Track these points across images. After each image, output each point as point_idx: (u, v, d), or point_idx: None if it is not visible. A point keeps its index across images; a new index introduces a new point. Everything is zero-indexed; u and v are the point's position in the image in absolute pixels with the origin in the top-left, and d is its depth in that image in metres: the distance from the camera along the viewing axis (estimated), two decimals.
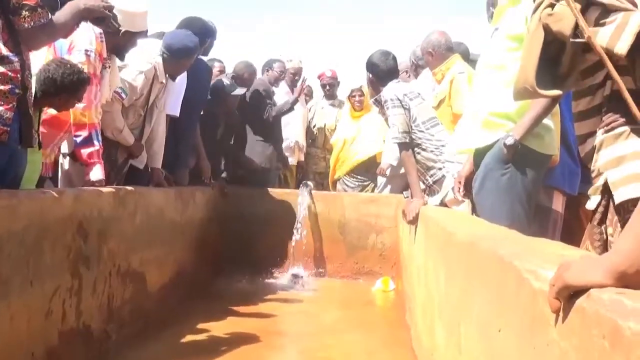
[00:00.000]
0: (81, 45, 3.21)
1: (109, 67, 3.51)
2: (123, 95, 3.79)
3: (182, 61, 4.14)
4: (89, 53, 3.21)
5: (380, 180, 5.95)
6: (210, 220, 5.20)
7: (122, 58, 3.71)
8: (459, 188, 3.04)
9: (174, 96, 4.42)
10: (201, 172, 5.13)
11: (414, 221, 3.63)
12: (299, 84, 6.26)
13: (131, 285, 3.36)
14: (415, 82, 5.07)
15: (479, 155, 2.79)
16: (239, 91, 5.34)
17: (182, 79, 4.41)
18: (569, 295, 0.89)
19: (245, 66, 5.70)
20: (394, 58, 4.09)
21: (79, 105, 3.12)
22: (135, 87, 3.89)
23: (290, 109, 5.87)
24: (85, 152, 3.24)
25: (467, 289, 1.78)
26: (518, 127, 2.57)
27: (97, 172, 3.26)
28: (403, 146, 3.78)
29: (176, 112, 4.49)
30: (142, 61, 3.96)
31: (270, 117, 5.73)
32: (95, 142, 3.28)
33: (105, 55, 3.39)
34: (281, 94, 6.29)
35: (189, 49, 4.14)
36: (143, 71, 3.92)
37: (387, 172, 5.73)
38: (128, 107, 3.92)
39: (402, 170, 5.75)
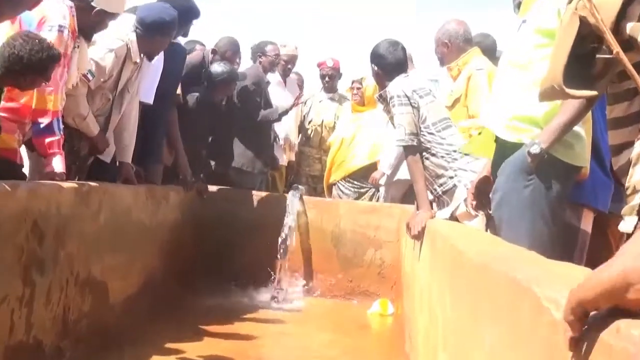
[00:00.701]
0: (54, 20, 3.21)
1: (78, 46, 3.51)
2: (90, 76, 3.78)
3: (157, 38, 4.13)
4: (62, 29, 3.22)
5: (381, 189, 5.97)
6: (184, 224, 5.20)
7: (89, 38, 3.71)
8: (472, 199, 3.04)
9: (148, 81, 4.41)
10: (178, 170, 5.12)
11: (418, 236, 3.63)
12: (294, 100, 6.17)
13: (91, 296, 3.35)
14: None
15: (497, 164, 2.79)
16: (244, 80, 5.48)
17: (158, 61, 4.40)
18: (585, 315, 0.89)
19: (229, 43, 5.69)
20: (404, 49, 4.07)
21: (47, 89, 3.12)
22: (104, 67, 3.88)
23: (278, 119, 5.90)
24: (45, 141, 3.24)
25: (477, 316, 1.78)
26: (545, 134, 2.55)
27: (57, 164, 3.25)
28: (409, 150, 3.77)
29: (149, 99, 4.48)
30: (112, 38, 3.95)
31: (255, 118, 5.75)
32: (57, 131, 3.28)
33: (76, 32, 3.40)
34: (272, 86, 6.30)
35: (164, 23, 4.12)
36: (113, 49, 3.91)
37: (382, 182, 5.76)
38: (94, 90, 3.92)
39: (401, 177, 5.82)
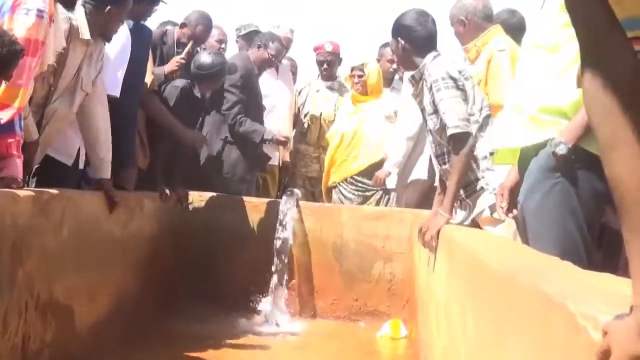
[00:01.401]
0: (32, 3, 3.20)
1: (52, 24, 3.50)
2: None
3: (114, 10, 3.97)
4: (41, 14, 3.22)
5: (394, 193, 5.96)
6: (162, 237, 5.19)
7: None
8: (502, 202, 3.02)
9: (112, 69, 4.35)
10: (154, 174, 5.12)
11: (431, 243, 3.61)
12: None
13: (54, 322, 3.34)
14: None
15: (523, 162, 2.79)
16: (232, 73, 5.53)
17: (124, 46, 4.37)
18: None
19: (200, 17, 5.66)
20: (434, 22, 3.94)
21: (17, 81, 3.12)
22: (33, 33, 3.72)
23: (257, 144, 5.86)
24: (3, 141, 3.24)
25: (502, 336, 1.78)
26: (571, 129, 2.54)
27: (14, 168, 3.25)
28: (465, 137, 3.60)
29: (115, 91, 4.41)
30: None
31: (235, 127, 5.74)
32: (18, 130, 3.29)
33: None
34: (264, 75, 6.30)
35: None
36: (39, 8, 3.77)
37: (389, 183, 5.74)
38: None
39: (417, 177, 5.81)
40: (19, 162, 3.28)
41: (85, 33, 3.87)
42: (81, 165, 4.27)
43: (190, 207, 5.58)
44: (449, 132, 3.64)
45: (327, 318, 5.45)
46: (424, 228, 3.68)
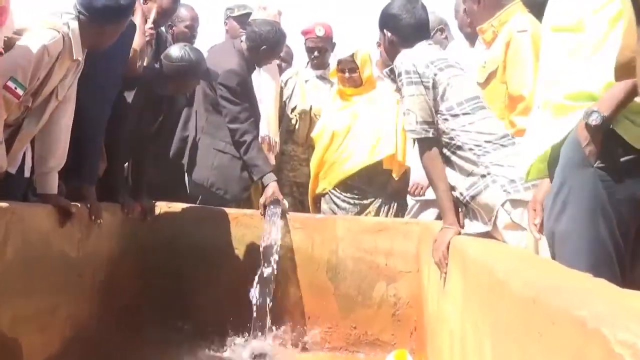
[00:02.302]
0: None
1: None
2: (19, 90, 3.73)
3: (110, 27, 4.08)
4: None
5: (412, 202, 5.94)
6: (123, 256, 5.19)
7: None
8: (534, 219, 3.02)
9: None
10: (114, 182, 5.12)
11: (441, 263, 3.65)
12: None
13: None
14: (455, 49, 5.10)
15: (552, 165, 2.79)
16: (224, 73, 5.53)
17: None
18: None
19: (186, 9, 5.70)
20: (424, 8, 4.08)
21: None
22: (27, 70, 3.82)
23: (258, 174, 5.73)
24: None
25: None
26: (606, 100, 2.53)
27: None
28: (424, 143, 3.78)
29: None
30: (43, 26, 3.91)
31: (240, 148, 5.72)
32: None
33: None
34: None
35: (120, 8, 4.08)
36: (46, 45, 3.86)
37: (424, 192, 5.73)
38: None
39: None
40: None
41: (77, 52, 3.98)
42: (26, 174, 4.27)
43: (157, 220, 5.57)
44: (407, 136, 3.84)
45: (320, 349, 5.45)
46: (434, 245, 3.73)
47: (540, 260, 2.66)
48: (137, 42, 5.19)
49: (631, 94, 2.43)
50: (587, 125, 2.50)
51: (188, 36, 6.37)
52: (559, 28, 2.75)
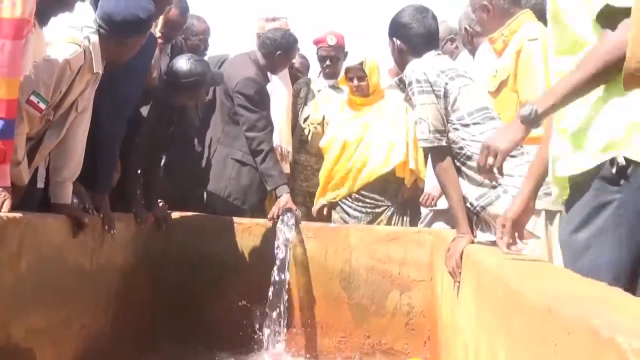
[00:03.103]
0: None
1: (34, 29, 3.56)
2: (42, 104, 3.75)
3: (130, 40, 4.09)
4: None
5: (425, 210, 5.93)
6: (138, 267, 5.19)
7: (45, 22, 3.74)
8: (502, 235, 3.03)
9: None
10: (127, 191, 5.12)
11: (455, 271, 3.64)
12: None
13: None
14: (464, 60, 5.09)
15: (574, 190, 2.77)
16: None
17: None
18: None
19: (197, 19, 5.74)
20: (434, 17, 4.08)
21: None
22: (50, 84, 3.85)
23: (272, 184, 5.74)
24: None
25: None
26: (547, 95, 2.60)
27: (3, 177, 3.34)
28: (437, 152, 3.78)
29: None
30: (64, 40, 3.93)
31: (256, 157, 5.74)
32: (11, 135, 3.36)
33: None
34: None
35: (140, 21, 4.08)
36: (67, 59, 3.88)
37: (439, 203, 5.70)
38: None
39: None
40: (6, 171, 3.39)
41: (97, 65, 3.98)
42: (40, 184, 4.27)
43: (170, 230, 5.57)
44: (419, 144, 3.82)
45: (334, 359, 5.44)
46: (446, 256, 3.72)
47: (555, 269, 2.65)
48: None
49: (575, 92, 2.49)
50: (520, 116, 2.62)
51: (201, 49, 6.40)
52: (559, 51, 2.75)
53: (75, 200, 4.27)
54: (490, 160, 2.79)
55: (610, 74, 2.40)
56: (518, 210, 2.94)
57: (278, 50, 5.90)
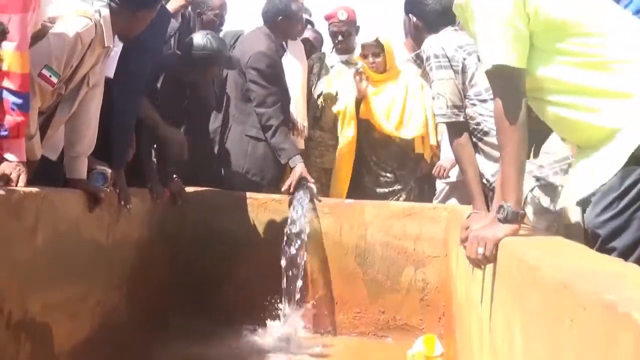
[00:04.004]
0: None
1: None
2: (54, 78, 3.76)
3: (140, 14, 4.09)
4: None
5: (440, 186, 5.92)
6: (153, 243, 5.21)
7: None
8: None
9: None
10: (141, 166, 5.12)
11: (485, 260, 3.60)
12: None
13: (28, 344, 3.35)
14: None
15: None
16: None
17: None
18: None
19: None
20: None
21: (8, 45, 3.20)
22: (61, 58, 3.85)
23: (285, 157, 5.75)
24: (11, 119, 3.32)
25: (556, 355, 1.77)
26: (508, 192, 2.65)
27: (19, 151, 3.36)
28: (454, 128, 3.76)
29: (109, 72, 4.44)
30: (75, 14, 3.92)
31: (267, 132, 5.76)
32: (26, 108, 3.39)
33: None
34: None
35: None
36: (79, 32, 3.87)
37: (451, 174, 5.69)
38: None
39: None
40: (22, 145, 3.42)
41: (108, 38, 3.99)
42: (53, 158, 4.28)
43: (186, 206, 5.58)
44: (437, 120, 3.77)
45: (349, 334, 5.46)
46: (475, 240, 3.34)
47: (571, 245, 2.63)
48: (171, 4, 5.25)
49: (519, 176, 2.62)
50: (500, 220, 2.63)
51: (216, 24, 6.38)
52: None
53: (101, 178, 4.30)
54: (481, 250, 2.70)
55: (524, 132, 2.59)
56: (510, 233, 2.72)
57: (279, 16, 5.90)
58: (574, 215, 3.42)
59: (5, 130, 3.35)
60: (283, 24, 5.93)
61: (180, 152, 5.18)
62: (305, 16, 6.83)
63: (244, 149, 5.87)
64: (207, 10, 6.33)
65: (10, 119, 3.33)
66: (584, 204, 2.76)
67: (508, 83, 2.62)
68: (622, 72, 2.55)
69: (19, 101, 3.36)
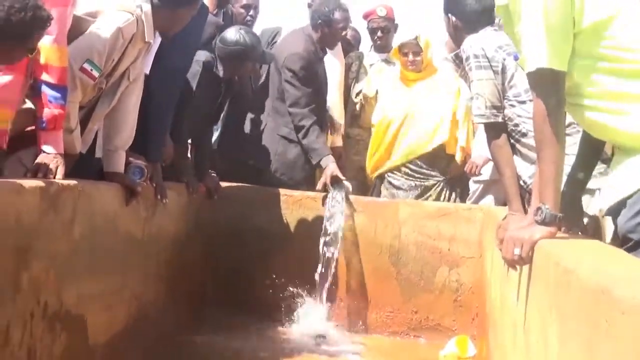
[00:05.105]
0: None
1: None
2: (95, 72, 3.79)
3: (181, 11, 4.12)
4: None
5: (473, 186, 5.88)
6: (189, 237, 5.23)
7: None
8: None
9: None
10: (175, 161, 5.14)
11: (521, 261, 3.55)
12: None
13: (64, 334, 3.37)
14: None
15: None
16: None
17: None
18: None
19: None
20: None
21: (46, 38, 3.23)
22: (103, 53, 3.87)
23: (317, 157, 5.75)
24: (49, 112, 3.35)
25: (592, 358, 1.76)
26: (546, 194, 2.65)
27: (56, 143, 3.38)
28: (492, 129, 3.73)
29: (146, 67, 4.46)
30: (117, 9, 3.94)
31: (299, 132, 5.79)
32: (64, 101, 3.42)
33: None
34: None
35: None
36: (120, 27, 3.89)
37: (483, 172, 5.65)
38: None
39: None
40: (61, 137, 3.46)
41: (149, 34, 4.02)
42: (98, 154, 4.31)
43: (222, 201, 5.60)
44: (475, 120, 3.75)
45: (381, 333, 5.46)
46: (511, 241, 3.27)
47: (608, 249, 2.61)
48: None
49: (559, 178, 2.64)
50: (538, 222, 2.63)
51: (244, 16, 6.36)
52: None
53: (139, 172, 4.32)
54: (517, 251, 2.69)
55: (563, 134, 2.63)
56: (548, 235, 2.69)
57: (318, 20, 5.89)
58: (609, 220, 3.39)
59: (43, 123, 3.38)
60: (321, 27, 5.92)
61: (168, 155, 5.10)
62: (349, 27, 6.72)
63: (274, 147, 5.91)
64: (235, 2, 6.33)
65: (48, 111, 3.36)
66: (614, 211, 2.73)
67: (551, 86, 2.61)
68: None
69: (57, 94, 3.39)
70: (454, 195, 6.10)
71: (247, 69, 5.47)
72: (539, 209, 2.59)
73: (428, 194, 6.02)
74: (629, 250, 2.55)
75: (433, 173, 6.01)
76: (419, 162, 6.03)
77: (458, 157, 6.03)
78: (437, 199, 6.00)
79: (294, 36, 6.08)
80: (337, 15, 5.96)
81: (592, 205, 3.39)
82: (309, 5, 6.45)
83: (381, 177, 6.22)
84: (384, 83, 6.54)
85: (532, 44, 2.65)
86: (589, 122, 2.75)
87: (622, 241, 2.64)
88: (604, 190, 2.89)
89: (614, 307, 1.60)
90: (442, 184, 6.04)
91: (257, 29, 6.59)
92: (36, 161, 3.34)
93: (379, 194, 6.22)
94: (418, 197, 5.99)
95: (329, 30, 5.96)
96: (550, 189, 2.67)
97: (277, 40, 6.60)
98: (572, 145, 3.50)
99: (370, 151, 6.28)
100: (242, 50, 5.19)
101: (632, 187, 2.60)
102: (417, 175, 6.04)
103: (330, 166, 5.58)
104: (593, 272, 1.93)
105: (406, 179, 6.05)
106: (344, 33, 6.20)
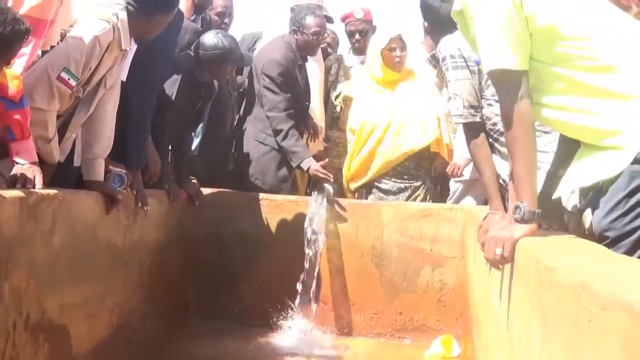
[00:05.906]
0: None
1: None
2: (72, 81, 3.77)
3: (157, 18, 4.11)
4: None
5: (454, 186, 5.89)
6: (170, 244, 5.22)
7: None
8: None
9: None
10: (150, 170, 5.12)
11: (503, 261, 3.57)
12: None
13: (47, 344, 3.36)
14: None
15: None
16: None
17: None
18: None
19: None
20: None
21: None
22: (80, 61, 3.85)
23: (297, 160, 5.82)
24: (10, 120, 3.34)
25: (574, 355, 1.76)
26: (523, 193, 2.66)
27: (28, 153, 3.37)
28: (470, 128, 3.74)
29: (122, 75, 4.45)
30: (93, 17, 3.93)
31: (278, 136, 5.81)
32: (26, 105, 3.40)
33: None
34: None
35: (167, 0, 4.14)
36: (97, 35, 3.89)
37: (465, 173, 5.66)
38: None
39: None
40: (31, 144, 3.43)
41: (125, 42, 4.02)
42: (77, 162, 4.29)
43: (203, 207, 5.59)
44: (453, 120, 3.76)
45: (366, 335, 5.46)
46: (493, 240, 3.32)
47: (588, 245, 2.62)
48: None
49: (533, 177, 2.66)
50: (517, 220, 2.64)
51: (218, 23, 6.37)
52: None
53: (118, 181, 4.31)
54: (499, 250, 2.71)
55: (531, 131, 2.65)
56: (527, 233, 2.71)
57: (293, 26, 5.92)
58: (587, 215, 3.41)
59: (10, 134, 3.36)
60: (296, 35, 5.94)
61: (154, 171, 5.07)
62: (327, 35, 6.74)
63: (251, 152, 5.95)
64: (210, 10, 6.35)
65: (10, 120, 3.35)
66: (589, 202, 2.75)
67: (511, 85, 2.64)
68: (620, 74, 2.55)
69: (13, 102, 3.37)
70: (437, 192, 6.10)
71: (226, 72, 5.48)
72: (517, 207, 2.61)
73: (416, 194, 6.01)
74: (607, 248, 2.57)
75: (420, 173, 6.00)
76: (406, 163, 6.01)
77: (445, 155, 6.00)
78: (425, 198, 5.99)
79: (274, 43, 6.11)
80: (309, 20, 5.99)
81: (569, 201, 3.40)
82: (292, 10, 6.45)
83: (368, 187, 6.15)
84: (362, 86, 6.52)
85: (486, 46, 2.69)
86: (553, 121, 2.77)
87: (598, 240, 2.65)
88: (564, 179, 2.91)
89: (594, 303, 1.61)
90: (427, 183, 6.04)
91: (239, 33, 6.64)
92: (11, 173, 3.32)
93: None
94: (408, 198, 5.98)
95: (301, 36, 5.98)
96: (526, 187, 2.70)
97: (257, 46, 6.62)
98: (552, 142, 3.53)
99: (350, 158, 6.16)
100: (221, 54, 5.18)
101: (591, 179, 2.63)
102: (405, 177, 6.02)
103: (314, 165, 5.64)
104: (573, 269, 1.93)
105: (394, 181, 6.03)
106: (320, 38, 6.18)
